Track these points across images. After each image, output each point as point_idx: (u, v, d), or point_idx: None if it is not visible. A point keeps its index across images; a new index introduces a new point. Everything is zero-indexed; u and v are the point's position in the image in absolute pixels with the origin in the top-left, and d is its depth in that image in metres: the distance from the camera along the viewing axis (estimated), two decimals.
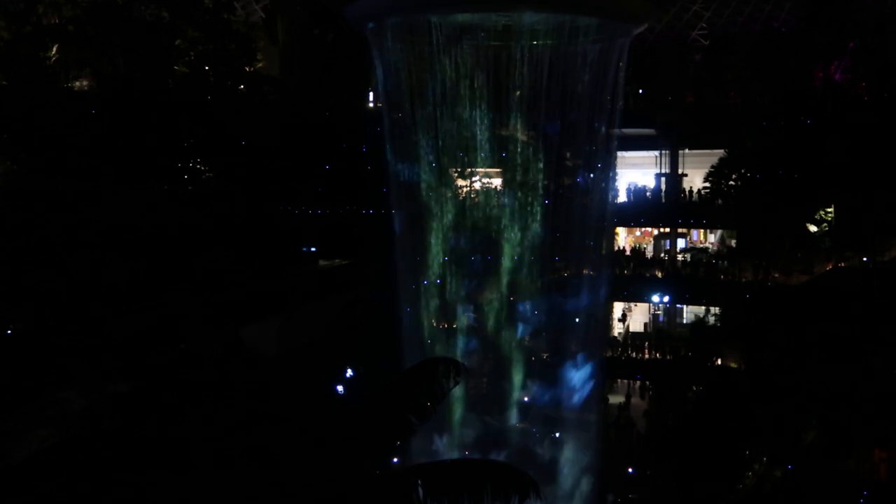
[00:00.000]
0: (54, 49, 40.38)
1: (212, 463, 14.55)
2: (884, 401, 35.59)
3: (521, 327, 39.29)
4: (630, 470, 40.84)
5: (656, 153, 53.26)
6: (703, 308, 48.33)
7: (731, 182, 46.48)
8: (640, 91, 54.45)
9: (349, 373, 38.80)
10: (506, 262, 39.14)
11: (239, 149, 41.13)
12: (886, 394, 35.88)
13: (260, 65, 49.25)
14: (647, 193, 52.41)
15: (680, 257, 50.57)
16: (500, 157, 43.65)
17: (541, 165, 40.25)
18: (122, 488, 13.91)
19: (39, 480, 14.24)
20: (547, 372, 38.27)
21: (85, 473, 14.24)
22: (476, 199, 44.32)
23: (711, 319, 46.62)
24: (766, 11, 57.11)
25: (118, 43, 39.85)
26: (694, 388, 44.06)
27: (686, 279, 47.56)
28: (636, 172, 53.88)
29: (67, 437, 15.25)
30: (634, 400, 47.79)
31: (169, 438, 14.67)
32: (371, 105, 51.52)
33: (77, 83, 43.23)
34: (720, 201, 47.26)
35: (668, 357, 45.50)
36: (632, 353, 46.57)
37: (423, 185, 38.11)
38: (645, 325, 51.65)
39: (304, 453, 15.25)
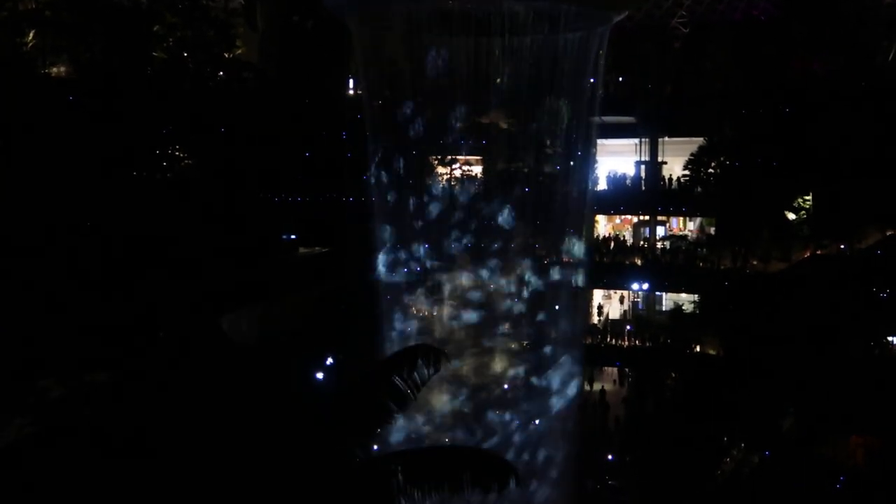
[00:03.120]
0: (31, 35, 39.94)
1: (192, 452, 14.51)
2: (860, 387, 35.90)
3: None
4: (609, 456, 41.07)
5: (636, 141, 53.38)
6: (683, 295, 48.51)
7: (711, 170, 46.67)
8: (620, 79, 54.52)
9: (329, 361, 38.76)
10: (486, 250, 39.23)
11: (218, 136, 40.87)
12: (863, 380, 36.20)
13: (239, 51, 48.80)
14: (627, 181, 52.53)
15: (659, 245, 50.71)
16: (481, 145, 43.67)
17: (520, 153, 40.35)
18: (100, 477, 13.86)
19: (16, 469, 14.16)
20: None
21: (62, 462, 14.18)
22: (456, 187, 44.26)
23: (690, 307, 46.79)
24: (746, 0, 57.20)
25: (95, 29, 39.46)
26: (672, 374, 44.29)
27: (665, 267, 47.71)
28: (616, 160, 53.97)
29: (45, 425, 15.17)
30: (613, 387, 47.99)
31: (148, 427, 14.61)
32: (351, 92, 51.33)
33: (55, 69, 42.79)
34: (699, 189, 47.43)
35: (648, 344, 45.67)
36: (611, 340, 46.74)
37: (404, 172, 38.02)
38: (624, 312, 51.83)
39: (286, 441, 15.25)
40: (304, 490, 14.91)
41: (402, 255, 38.56)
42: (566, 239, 38.99)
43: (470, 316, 38.15)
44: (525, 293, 39.14)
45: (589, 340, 44.66)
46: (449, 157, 44.75)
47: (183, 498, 14.12)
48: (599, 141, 46.29)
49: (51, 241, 29.37)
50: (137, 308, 28.87)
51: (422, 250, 38.62)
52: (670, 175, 50.79)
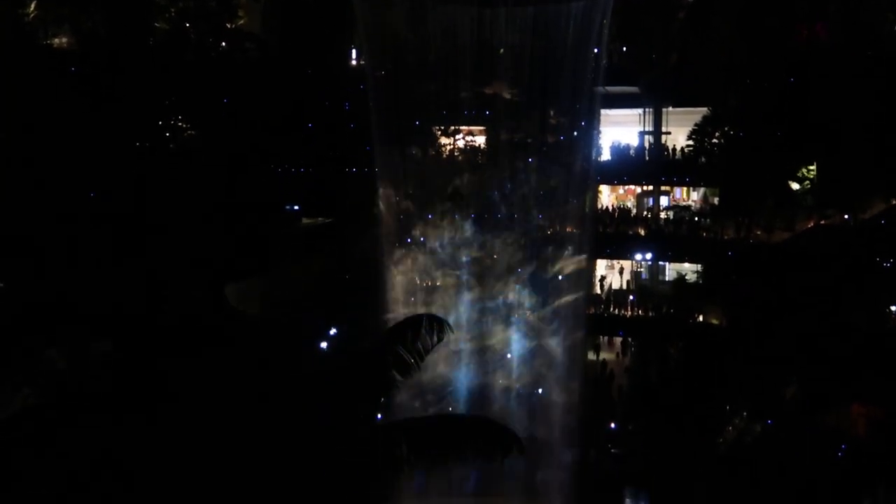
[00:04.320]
0: (32, 6, 39.70)
1: (197, 421, 14.52)
2: (863, 357, 35.88)
3: None
4: (612, 425, 41.19)
5: (640, 111, 52.98)
6: (686, 265, 48.37)
7: (715, 140, 46.31)
8: (624, 49, 54.07)
9: (333, 331, 38.81)
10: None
11: (220, 107, 40.69)
12: (865, 351, 36.17)
13: (241, 22, 48.44)
14: (631, 151, 52.21)
15: (663, 215, 50.54)
16: (484, 115, 43.47)
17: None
18: (104, 443, 13.89)
19: (22, 437, 14.21)
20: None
21: (67, 431, 14.22)
22: (460, 158, 44.18)
23: (693, 277, 46.71)
24: None
25: None
26: (675, 344, 44.29)
27: (668, 237, 47.54)
28: (620, 130, 53.64)
29: (51, 395, 15.19)
30: (616, 358, 47.92)
31: (152, 396, 14.63)
32: (354, 63, 51.03)
33: (56, 41, 42.57)
34: (703, 159, 47.08)
35: (651, 314, 45.65)
36: (614, 310, 46.66)
37: (407, 143, 37.92)
38: (627, 282, 51.76)
39: (290, 411, 15.25)
40: (306, 460, 14.93)
41: (405, 224, 38.63)
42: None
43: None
44: (527, 263, 39.23)
45: (592, 310, 44.68)
46: (452, 127, 44.55)
47: (190, 462, 14.13)
48: (603, 111, 46.03)
49: (53, 211, 29.34)
50: (141, 278, 28.88)
51: (425, 220, 38.71)
52: (674, 145, 50.49)
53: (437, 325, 16.44)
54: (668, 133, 51.89)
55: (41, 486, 14.19)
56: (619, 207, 52.45)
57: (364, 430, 16.16)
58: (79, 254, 29.14)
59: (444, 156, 43.65)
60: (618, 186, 54.93)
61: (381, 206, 38.43)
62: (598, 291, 48.38)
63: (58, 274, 27.75)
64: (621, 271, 51.59)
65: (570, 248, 40.18)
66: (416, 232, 39.59)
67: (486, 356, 38.30)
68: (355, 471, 15.46)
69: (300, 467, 14.88)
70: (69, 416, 14.72)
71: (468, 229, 39.70)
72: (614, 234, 47.54)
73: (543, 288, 40.45)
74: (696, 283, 46.02)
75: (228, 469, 14.42)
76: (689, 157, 48.04)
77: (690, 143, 47.31)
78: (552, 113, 41.06)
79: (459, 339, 36.90)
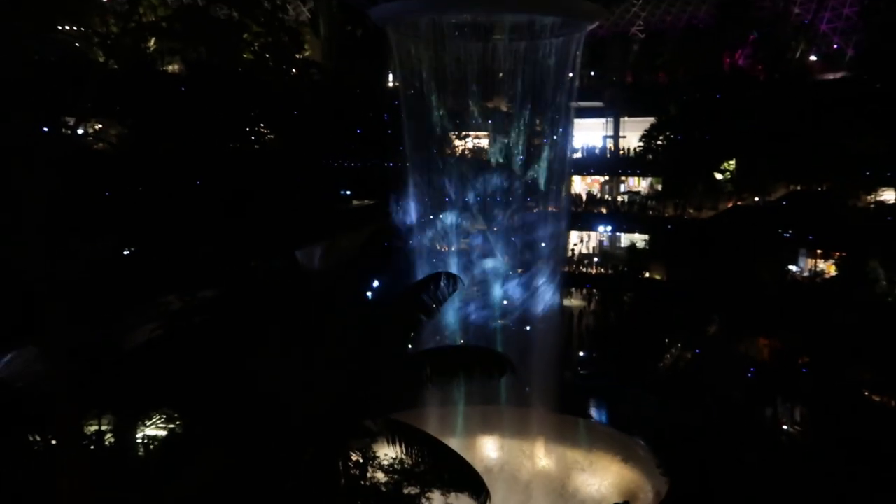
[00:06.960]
0: (152, 41, 39.59)
1: (276, 345, 14.60)
2: (768, 303, 35.87)
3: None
4: (581, 353, 41.42)
5: (603, 120, 52.76)
6: (637, 235, 48.37)
7: (659, 142, 46.17)
8: (592, 73, 53.67)
9: (375, 283, 38.94)
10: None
11: (292, 117, 40.75)
12: (770, 298, 36.15)
13: (307, 53, 48.39)
14: (596, 150, 52.07)
15: (620, 198, 50.43)
16: (487, 124, 43.38)
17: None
18: (209, 367, 14.10)
19: (150, 361, 14.44)
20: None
21: (182, 356, 14.45)
22: (469, 155, 44.12)
23: (642, 244, 46.70)
24: (689, 12, 56.30)
25: (200, 36, 39.05)
26: (628, 294, 44.36)
27: (624, 214, 47.60)
28: (588, 134, 53.41)
29: (169, 330, 15.39)
30: (581, 303, 47.98)
31: (245, 330, 14.76)
32: (390, 84, 50.84)
33: (170, 67, 42.54)
34: (650, 156, 46.96)
35: (610, 272, 45.78)
36: (583, 269, 46.83)
37: (430, 144, 37.87)
38: (593, 249, 51.72)
39: (343, 343, 15.39)
40: (358, 377, 15.10)
41: (430, 204, 38.60)
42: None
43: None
44: (519, 233, 39.18)
45: (566, 269, 44.76)
46: (463, 133, 44.48)
47: (273, 374, 14.20)
48: (576, 120, 45.74)
49: (170, 193, 29.53)
50: (234, 242, 29.10)
51: (444, 201, 38.66)
52: (628, 146, 50.27)
53: (453, 280, 16.52)
54: (624, 137, 51.69)
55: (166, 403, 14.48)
56: (587, 192, 52.34)
57: (397, 357, 16.34)
58: (191, 226, 29.29)
59: (457, 154, 43.56)
60: (587, 176, 54.76)
61: (412, 190, 38.36)
62: (571, 255, 48.40)
63: (176, 241, 27.93)
64: (581, 240, 51.53)
65: (550, 222, 40.03)
66: (437, 210, 39.56)
67: (488, 302, 38.38)
68: (393, 386, 15.68)
69: (354, 382, 15.05)
70: (183, 347, 14.92)
71: (476, 209, 39.71)
72: (583, 213, 47.60)
73: (532, 250, 40.43)
74: (644, 249, 46.08)
75: (305, 380, 14.55)
76: (639, 154, 47.89)
77: (641, 144, 47.12)
78: (538, 122, 40.81)
79: (469, 290, 36.96)
